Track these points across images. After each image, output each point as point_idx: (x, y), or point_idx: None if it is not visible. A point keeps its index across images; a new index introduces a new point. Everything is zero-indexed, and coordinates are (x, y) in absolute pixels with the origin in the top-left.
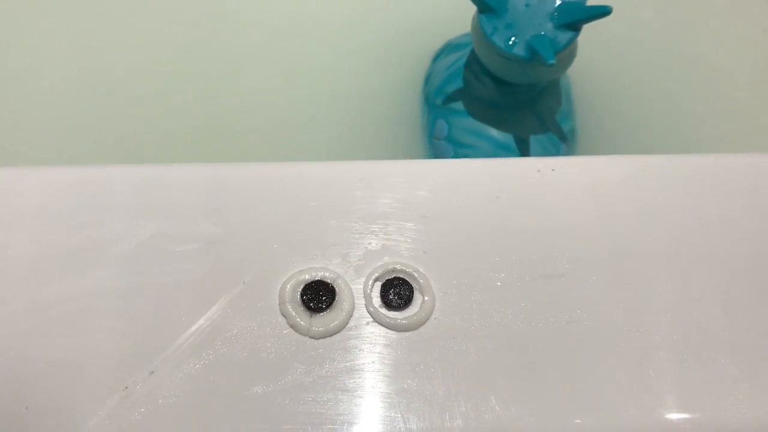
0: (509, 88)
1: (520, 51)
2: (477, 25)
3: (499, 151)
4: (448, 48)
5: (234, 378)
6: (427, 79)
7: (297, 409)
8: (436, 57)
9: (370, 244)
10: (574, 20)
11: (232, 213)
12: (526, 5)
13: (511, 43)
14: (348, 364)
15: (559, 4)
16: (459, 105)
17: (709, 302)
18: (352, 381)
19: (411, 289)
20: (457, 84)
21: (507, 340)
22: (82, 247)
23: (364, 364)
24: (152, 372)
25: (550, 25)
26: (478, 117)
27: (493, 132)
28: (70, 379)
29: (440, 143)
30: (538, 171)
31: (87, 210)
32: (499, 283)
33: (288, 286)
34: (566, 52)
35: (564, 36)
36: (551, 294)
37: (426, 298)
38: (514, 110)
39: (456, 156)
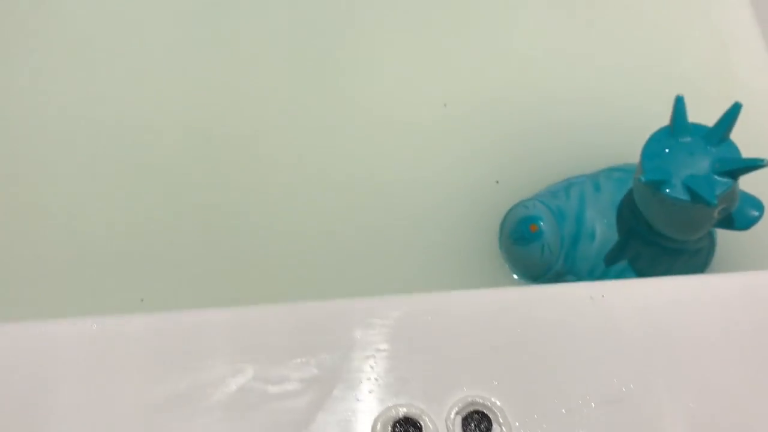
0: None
1: (678, 193)
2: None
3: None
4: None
5: None
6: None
7: None
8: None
9: (447, 376)
10: (732, 168)
11: (322, 351)
12: (690, 154)
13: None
14: None
15: (717, 156)
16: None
17: None
18: None
19: (489, 421)
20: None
21: None
22: (184, 394)
23: None
24: None
25: (706, 169)
26: (600, 207)
27: (589, 222)
28: None
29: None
30: (591, 298)
31: (186, 355)
32: (564, 410)
33: (378, 423)
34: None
35: (721, 181)
36: (614, 420)
37: (504, 430)
38: (628, 238)
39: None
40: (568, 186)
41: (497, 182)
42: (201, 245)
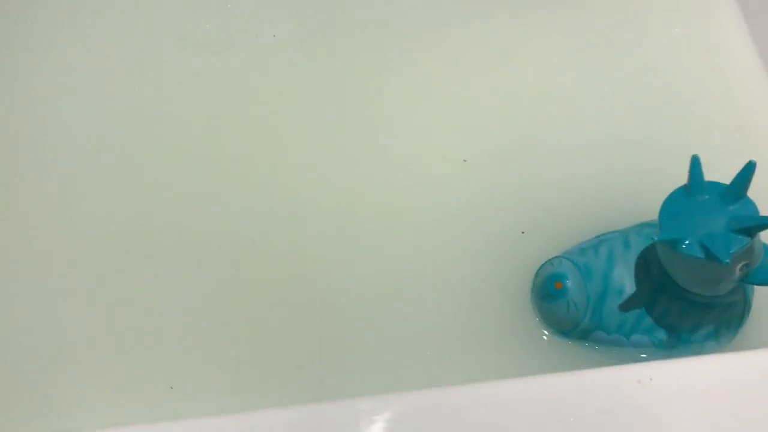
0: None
1: (694, 251)
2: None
3: (614, 294)
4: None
5: None
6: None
7: None
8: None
9: None
10: (748, 226)
11: None
12: (707, 212)
13: (685, 243)
14: None
15: (733, 214)
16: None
17: None
18: None
19: None
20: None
21: None
22: None
23: None
24: None
25: (722, 227)
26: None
27: (617, 278)
28: None
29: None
30: (639, 382)
31: None
32: None
33: None
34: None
35: (737, 239)
36: None
37: None
38: (655, 290)
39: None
40: (598, 243)
41: (523, 233)
42: (230, 330)
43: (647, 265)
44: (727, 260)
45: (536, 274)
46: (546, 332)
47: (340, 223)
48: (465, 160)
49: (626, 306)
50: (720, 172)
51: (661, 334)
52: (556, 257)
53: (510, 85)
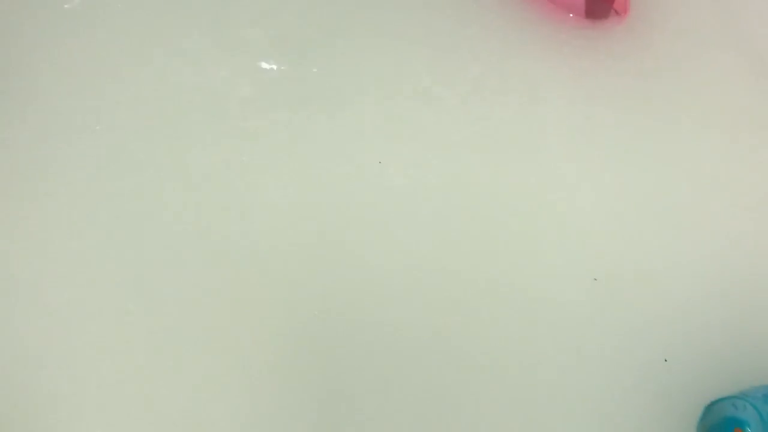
0: None
1: None
2: None
3: None
4: None
5: None
6: None
7: None
8: None
9: None
10: None
11: None
12: None
13: None
14: None
15: None
16: None
17: None
18: None
19: None
20: None
21: None
22: None
23: None
24: None
25: None
26: None
27: None
28: None
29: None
30: None
31: None
32: None
33: None
34: None
35: None
36: None
37: None
38: None
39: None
40: None
41: (666, 360)
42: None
43: None
44: None
45: (710, 409)
46: None
47: (467, 347)
48: (595, 279)
49: None
50: None
51: None
52: (738, 398)
53: (646, 196)
